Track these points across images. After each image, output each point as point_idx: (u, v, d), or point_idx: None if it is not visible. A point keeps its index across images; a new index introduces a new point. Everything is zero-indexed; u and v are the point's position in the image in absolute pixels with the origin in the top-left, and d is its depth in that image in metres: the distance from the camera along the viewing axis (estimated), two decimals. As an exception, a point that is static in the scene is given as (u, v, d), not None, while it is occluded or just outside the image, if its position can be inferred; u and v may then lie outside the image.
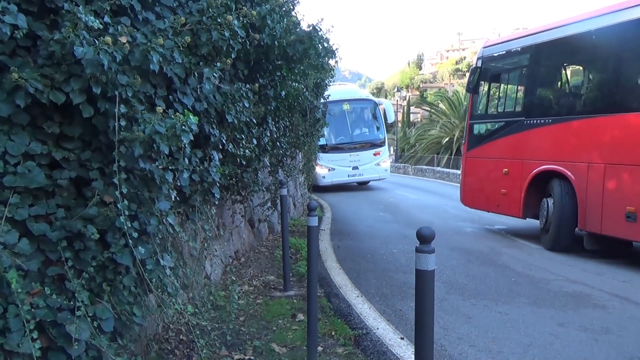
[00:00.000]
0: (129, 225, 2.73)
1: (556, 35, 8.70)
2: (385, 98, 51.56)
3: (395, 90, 58.46)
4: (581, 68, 9.41)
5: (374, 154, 19.26)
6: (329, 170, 18.63)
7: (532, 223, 9.53)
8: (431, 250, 2.56)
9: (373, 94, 43.52)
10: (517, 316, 5.18)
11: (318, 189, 18.34)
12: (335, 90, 16.84)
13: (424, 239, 2.56)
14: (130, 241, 2.75)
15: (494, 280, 6.55)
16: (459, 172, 16.59)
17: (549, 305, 5.54)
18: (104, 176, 2.85)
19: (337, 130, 18.81)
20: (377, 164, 19.34)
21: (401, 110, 48.44)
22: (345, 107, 19.06)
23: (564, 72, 9.42)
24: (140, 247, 2.83)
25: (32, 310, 2.48)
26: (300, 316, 5.04)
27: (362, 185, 20.79)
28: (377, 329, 4.75)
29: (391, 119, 21.19)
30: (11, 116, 2.59)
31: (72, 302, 2.62)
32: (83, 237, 2.72)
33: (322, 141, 15.74)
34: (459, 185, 11.96)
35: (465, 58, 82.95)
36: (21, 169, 2.57)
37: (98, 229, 2.73)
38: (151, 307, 3.66)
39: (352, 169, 18.91)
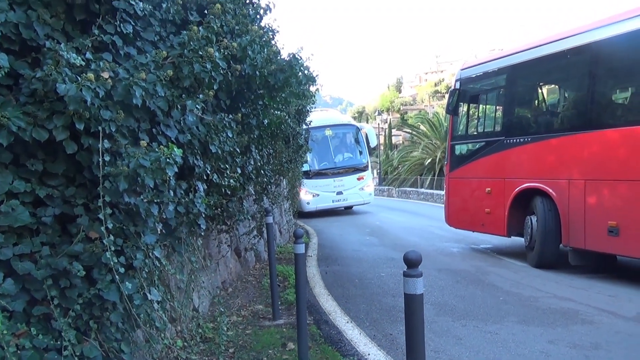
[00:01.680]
0: (115, 260, 2.71)
1: (531, 55, 8.90)
2: (367, 121, 52.08)
3: (377, 113, 59.20)
4: (557, 87, 9.61)
5: (358, 179, 19.35)
6: (314, 196, 18.64)
7: (517, 241, 9.60)
8: (419, 274, 2.57)
9: (354, 117, 43.90)
10: (507, 335, 5.18)
11: (303, 214, 18.31)
12: (317, 116, 16.95)
13: (411, 263, 2.57)
14: (117, 277, 2.73)
15: (483, 300, 6.56)
16: (442, 192, 16.68)
17: (538, 323, 5.56)
18: (89, 212, 2.84)
19: (320, 156, 18.89)
20: (361, 189, 19.42)
21: (383, 133, 48.85)
22: (328, 132, 19.18)
23: (540, 91, 9.61)
24: (127, 282, 2.81)
25: (18, 352, 2.44)
26: (291, 345, 4.99)
27: (348, 210, 20.81)
28: (369, 354, 4.72)
29: (373, 143, 21.36)
30: (-6, 155, 2.57)
31: (58, 342, 2.59)
32: (69, 274, 2.70)
33: (305, 167, 15.78)
34: (443, 205, 12.03)
35: (443, 80, 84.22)
36: (5, 208, 2.55)
37: (84, 265, 2.71)
38: (139, 342, 3.60)
39: (337, 194, 18.96)
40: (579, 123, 7.99)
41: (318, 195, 18.67)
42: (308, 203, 18.59)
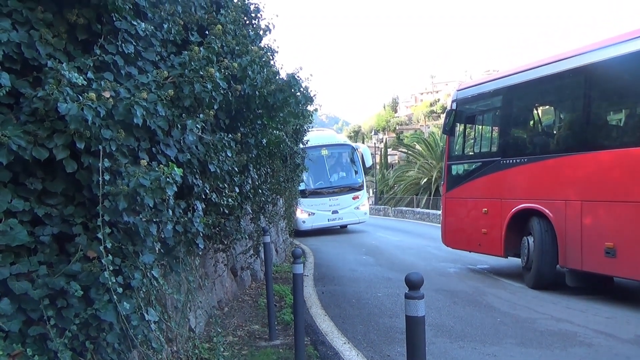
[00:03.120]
0: (113, 280, 2.69)
1: (527, 77, 8.98)
2: (363, 141, 52.21)
3: (372, 132, 59.35)
4: (552, 108, 9.68)
5: (353, 198, 19.42)
6: (309, 214, 18.67)
7: (514, 262, 9.58)
8: (421, 296, 2.56)
9: (350, 137, 44.02)
10: (506, 357, 5.15)
11: (299, 233, 18.29)
12: (313, 136, 17.04)
13: (413, 284, 2.56)
14: (114, 297, 2.70)
15: (480, 321, 6.53)
16: (438, 212, 16.69)
17: (537, 345, 5.52)
18: (88, 231, 2.82)
19: (316, 175, 18.96)
20: (357, 208, 19.48)
21: (379, 153, 48.96)
22: (324, 152, 19.29)
23: (536, 112, 9.68)
24: (124, 303, 2.78)
25: (13, 373, 2.41)
26: (288, 366, 4.94)
27: (343, 229, 20.80)
28: (366, 376, 4.67)
29: (369, 163, 21.49)
30: (-7, 174, 2.56)
31: (54, 363, 2.55)
32: (66, 294, 2.67)
33: (301, 186, 15.82)
34: (439, 225, 12.01)
35: (439, 100, 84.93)
36: (3, 227, 2.53)
37: (81, 285, 2.68)
38: (135, 363, 3.56)
39: (332, 213, 19.00)
40: (575, 144, 8.03)
41: (314, 214, 18.71)
42: (304, 222, 18.61)
